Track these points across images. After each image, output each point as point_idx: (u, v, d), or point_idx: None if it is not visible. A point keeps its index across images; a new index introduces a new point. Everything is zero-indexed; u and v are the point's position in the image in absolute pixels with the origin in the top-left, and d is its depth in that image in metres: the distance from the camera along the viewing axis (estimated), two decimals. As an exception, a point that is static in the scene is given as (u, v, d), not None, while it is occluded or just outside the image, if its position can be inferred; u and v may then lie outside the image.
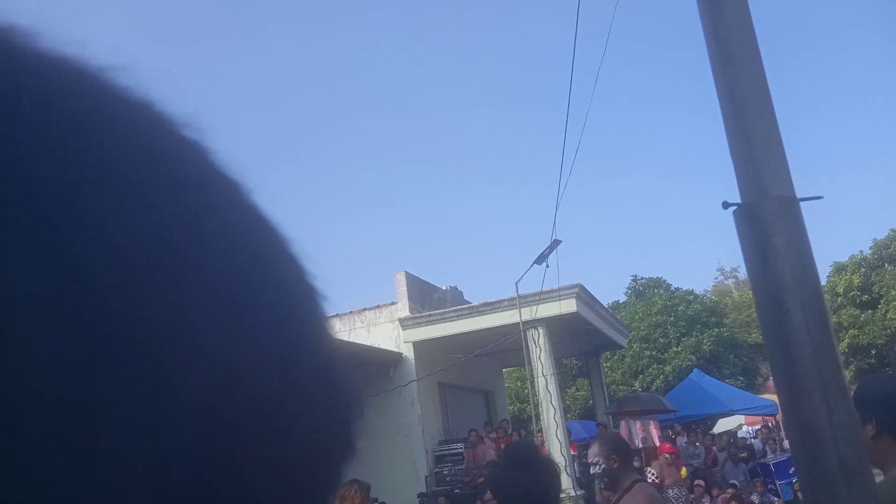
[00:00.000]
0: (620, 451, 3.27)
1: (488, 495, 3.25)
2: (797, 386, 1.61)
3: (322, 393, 0.29)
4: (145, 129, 0.25)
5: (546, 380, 13.38)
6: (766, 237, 1.68)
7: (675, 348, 29.23)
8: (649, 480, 10.14)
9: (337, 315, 15.29)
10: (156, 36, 64.30)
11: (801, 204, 1.92)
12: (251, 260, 0.26)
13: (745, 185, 1.79)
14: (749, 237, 1.72)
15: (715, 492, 12.23)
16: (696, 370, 21.97)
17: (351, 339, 14.17)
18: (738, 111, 1.82)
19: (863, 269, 27.51)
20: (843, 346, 27.26)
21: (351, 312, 15.05)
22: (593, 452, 3.27)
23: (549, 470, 2.40)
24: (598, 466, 3.21)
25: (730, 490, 11.77)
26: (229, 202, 0.27)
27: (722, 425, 21.57)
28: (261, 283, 0.26)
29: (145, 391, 0.20)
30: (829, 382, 1.59)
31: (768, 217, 1.70)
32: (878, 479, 1.73)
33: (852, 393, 1.76)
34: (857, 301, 27.33)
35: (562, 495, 9.74)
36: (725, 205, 1.82)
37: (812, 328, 1.62)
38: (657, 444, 14.52)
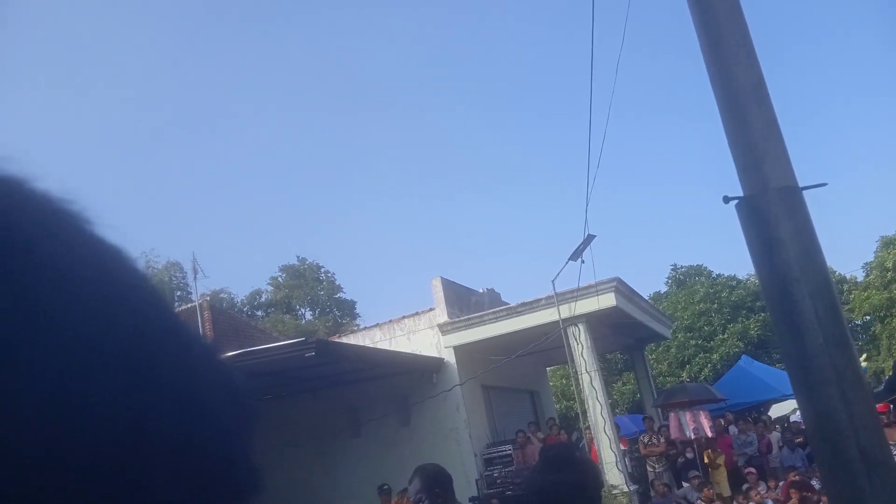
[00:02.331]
0: (441, 484, 3.23)
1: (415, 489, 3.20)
2: (811, 378, 1.57)
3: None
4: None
5: (590, 376, 13.26)
6: (770, 229, 1.64)
7: (721, 336, 28.68)
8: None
9: (377, 325, 15.42)
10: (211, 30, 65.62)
11: (826, 189, 1.89)
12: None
13: (746, 176, 1.75)
14: (752, 230, 1.69)
15: (772, 483, 11.94)
16: (744, 356, 21.54)
17: (392, 348, 14.28)
18: (733, 103, 1.78)
19: (912, 242, 26.66)
20: (896, 323, 26.44)
21: (391, 321, 15.16)
22: (415, 489, 3.18)
23: (585, 470, 2.37)
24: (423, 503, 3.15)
25: (792, 475, 11.47)
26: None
27: (776, 410, 21.09)
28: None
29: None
30: (844, 372, 1.55)
31: (770, 208, 1.66)
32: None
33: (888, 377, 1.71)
34: (909, 275, 26.46)
35: (615, 491, 9.60)
36: (726, 199, 1.79)
37: (822, 317, 1.58)
38: (709, 434, 14.28)
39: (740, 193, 1.80)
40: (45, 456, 0.25)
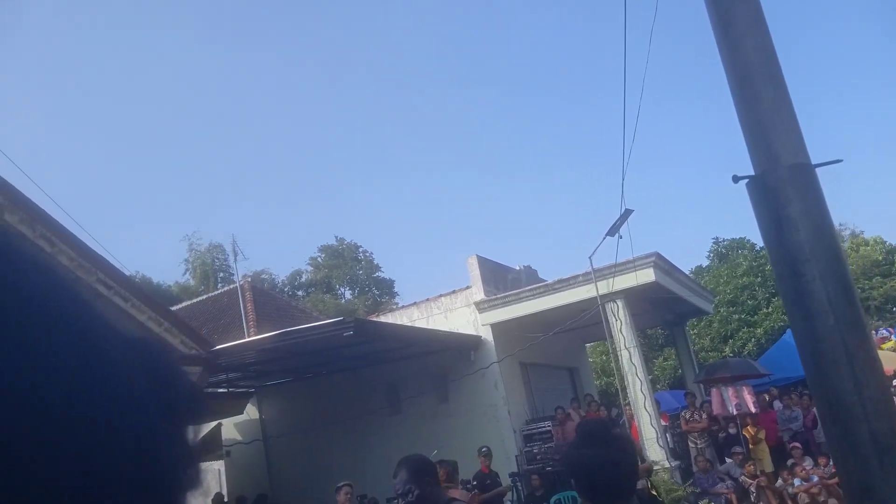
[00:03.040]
0: (430, 472, 3.19)
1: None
2: (822, 359, 1.53)
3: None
4: None
5: (629, 352, 13.17)
6: (780, 207, 1.59)
7: (765, 310, 28.10)
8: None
9: (415, 303, 15.54)
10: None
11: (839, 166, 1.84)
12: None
13: (756, 155, 1.70)
14: (763, 209, 1.63)
15: (822, 459, 11.68)
16: (789, 330, 21.05)
17: (430, 326, 14.38)
18: (743, 79, 1.72)
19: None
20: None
21: (428, 300, 15.25)
22: (403, 479, 3.14)
23: (622, 446, 2.36)
24: (412, 494, 3.12)
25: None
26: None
27: (823, 385, 20.62)
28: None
29: None
30: (856, 354, 1.51)
31: (781, 186, 1.61)
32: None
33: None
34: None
35: (656, 467, 9.56)
36: (735, 178, 1.74)
37: (834, 298, 1.53)
38: (753, 409, 14.08)
39: (743, 175, 1.75)
40: None
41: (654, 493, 10.27)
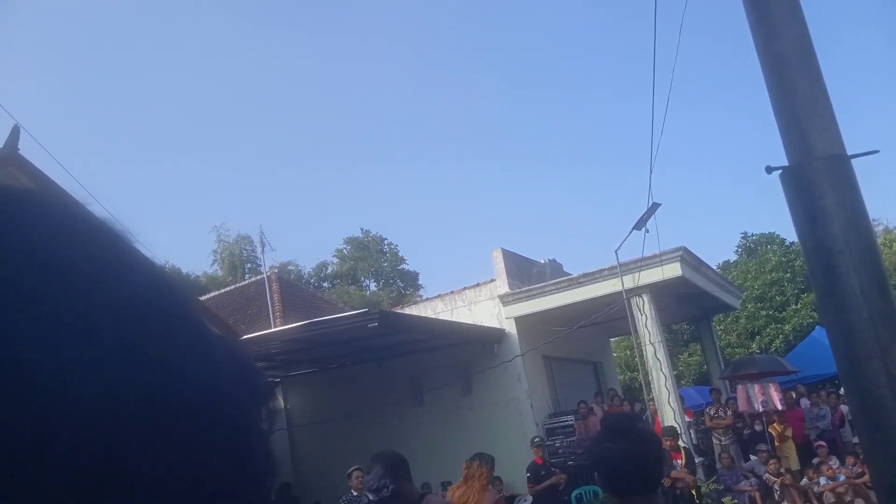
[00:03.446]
0: (404, 467, 3.18)
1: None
2: (855, 352, 1.52)
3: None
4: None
5: (654, 347, 13.08)
6: (815, 199, 1.58)
7: (794, 306, 27.70)
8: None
9: (439, 296, 15.57)
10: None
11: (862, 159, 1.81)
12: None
13: (791, 145, 1.68)
14: (797, 200, 1.62)
15: (850, 459, 11.51)
16: (818, 327, 20.75)
17: (453, 318, 14.41)
18: (778, 69, 1.71)
19: None
20: None
21: (452, 292, 15.28)
22: (378, 475, 3.13)
23: (646, 440, 2.36)
24: (387, 489, 3.10)
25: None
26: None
27: (852, 384, 20.32)
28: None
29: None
30: (890, 347, 1.49)
31: (815, 178, 1.59)
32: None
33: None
34: None
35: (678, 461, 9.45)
36: (769, 169, 1.72)
37: (868, 291, 1.52)
38: (779, 407, 13.92)
39: (776, 165, 1.74)
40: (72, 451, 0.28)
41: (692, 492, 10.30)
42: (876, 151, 1.74)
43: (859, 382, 1.57)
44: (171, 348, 0.34)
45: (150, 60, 59.94)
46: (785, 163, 1.84)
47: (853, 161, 1.66)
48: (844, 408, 13.70)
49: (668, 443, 10.52)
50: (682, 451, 11.07)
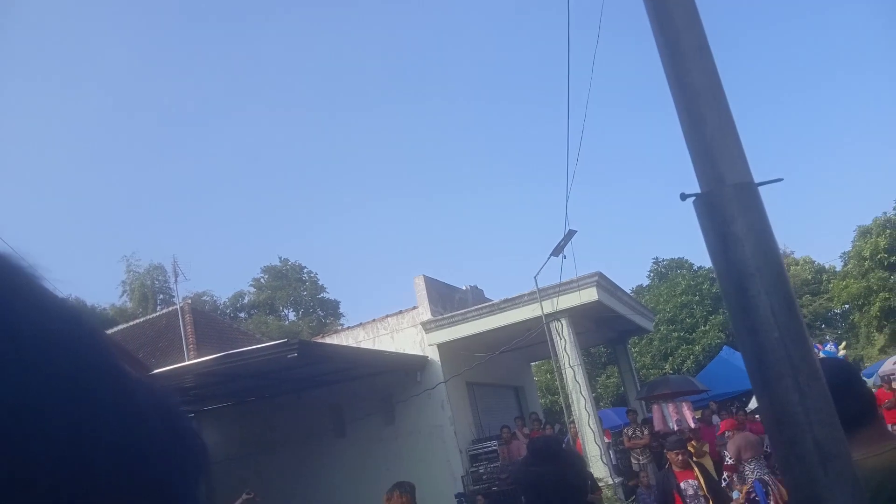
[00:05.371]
0: None
1: None
2: (768, 372, 1.59)
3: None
4: None
5: (573, 370, 13.32)
6: (726, 224, 1.66)
7: (703, 327, 28.92)
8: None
9: (360, 324, 15.41)
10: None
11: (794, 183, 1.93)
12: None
13: (703, 173, 1.77)
14: (709, 226, 1.70)
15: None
16: (725, 347, 21.73)
17: (376, 347, 14.27)
18: (689, 102, 1.81)
19: (888, 231, 26.97)
20: (874, 310, 26.76)
21: (374, 320, 15.15)
22: None
23: (571, 463, 2.39)
24: None
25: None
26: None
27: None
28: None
29: None
30: (800, 366, 1.57)
31: (726, 204, 1.68)
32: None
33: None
34: (886, 263, 26.80)
35: (600, 483, 9.56)
36: (683, 196, 1.81)
37: (778, 312, 1.60)
38: (692, 425, 14.40)
39: (690, 192, 1.82)
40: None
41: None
42: (780, 179, 1.85)
43: (773, 400, 1.64)
44: (86, 398, 0.31)
45: (54, 77, 57.44)
46: (698, 190, 1.92)
47: (760, 189, 1.77)
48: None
49: None
50: None
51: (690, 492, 7.16)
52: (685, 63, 1.81)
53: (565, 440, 13.38)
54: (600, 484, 12.17)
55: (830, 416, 1.53)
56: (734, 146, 1.76)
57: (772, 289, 1.62)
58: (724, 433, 11.82)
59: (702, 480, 7.09)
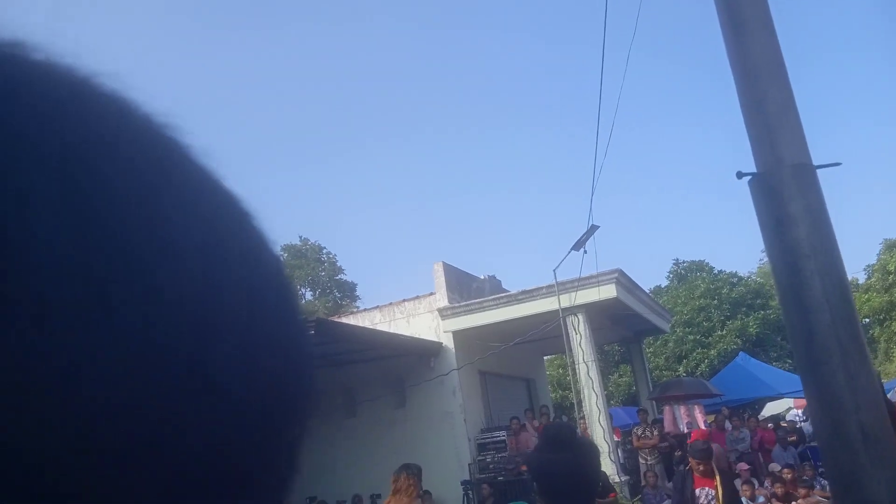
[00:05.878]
0: None
1: None
2: (816, 354, 1.59)
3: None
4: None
5: (587, 366, 13.30)
6: (782, 205, 1.65)
7: (719, 332, 28.73)
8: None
9: (377, 307, 15.46)
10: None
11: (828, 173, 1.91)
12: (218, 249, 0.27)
13: (760, 154, 1.76)
14: (764, 206, 1.70)
15: (767, 481, 11.95)
16: (741, 353, 21.59)
17: (391, 330, 14.32)
18: (751, 80, 1.80)
19: (915, 245, 26.59)
20: (895, 326, 26.44)
21: (391, 304, 15.19)
22: None
23: (586, 451, 2.39)
24: None
25: (786, 472, 11.46)
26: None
27: (770, 409, 21.17)
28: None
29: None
30: (849, 349, 1.57)
31: (783, 185, 1.67)
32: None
33: None
34: (911, 278, 26.43)
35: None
36: (739, 175, 1.80)
37: (831, 295, 1.60)
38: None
39: (747, 172, 1.81)
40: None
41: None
42: (838, 164, 1.83)
43: (819, 382, 1.64)
44: (265, 311, 0.27)
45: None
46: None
47: (818, 172, 1.75)
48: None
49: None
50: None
51: (703, 500, 7.05)
52: (749, 40, 1.79)
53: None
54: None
55: (876, 400, 1.53)
56: (795, 127, 1.75)
57: (826, 271, 1.61)
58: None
59: (720, 491, 6.98)
